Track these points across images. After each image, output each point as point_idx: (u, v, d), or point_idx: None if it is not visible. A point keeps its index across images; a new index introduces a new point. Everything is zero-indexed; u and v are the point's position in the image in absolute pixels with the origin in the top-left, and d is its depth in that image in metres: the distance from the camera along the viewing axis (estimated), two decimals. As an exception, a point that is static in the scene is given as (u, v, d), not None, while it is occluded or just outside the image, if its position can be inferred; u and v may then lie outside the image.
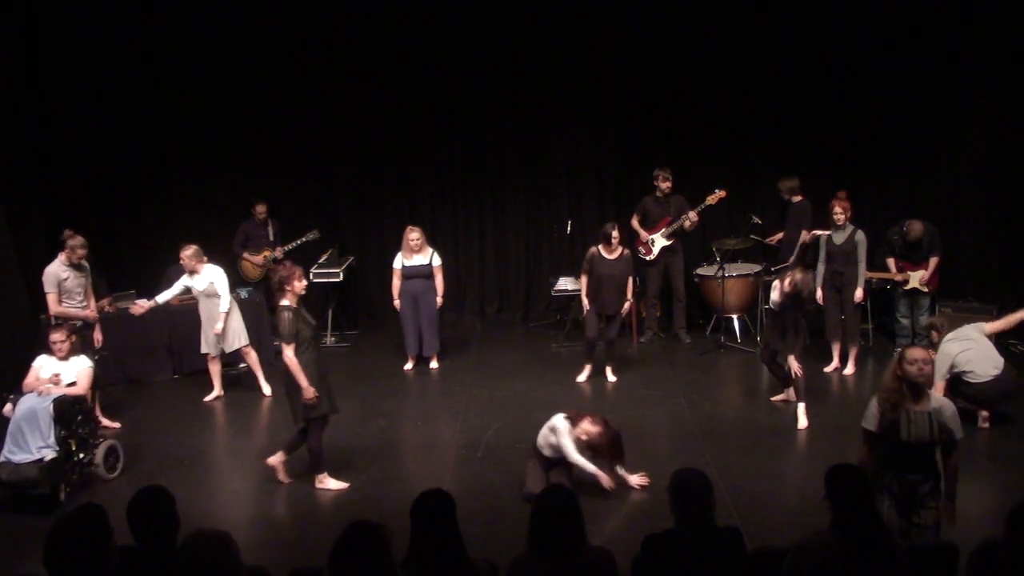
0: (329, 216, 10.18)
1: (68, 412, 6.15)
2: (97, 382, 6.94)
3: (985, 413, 6.70)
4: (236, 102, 9.75)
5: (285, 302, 5.93)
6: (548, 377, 8.34)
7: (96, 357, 6.92)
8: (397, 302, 8.75)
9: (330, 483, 6.15)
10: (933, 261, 8.62)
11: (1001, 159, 9.15)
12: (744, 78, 9.61)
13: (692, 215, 9.08)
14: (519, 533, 3.43)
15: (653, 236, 9.29)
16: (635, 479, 5.92)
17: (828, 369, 8.23)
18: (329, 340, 9.48)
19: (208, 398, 8.10)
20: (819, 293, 8.05)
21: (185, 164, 9.91)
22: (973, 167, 9.43)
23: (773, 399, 7.49)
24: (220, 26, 9.49)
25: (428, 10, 9.67)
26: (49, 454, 5.94)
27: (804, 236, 8.85)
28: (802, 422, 6.92)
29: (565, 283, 9.47)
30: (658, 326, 9.58)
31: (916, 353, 4.25)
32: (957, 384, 6.73)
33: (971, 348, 6.72)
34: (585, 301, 8.10)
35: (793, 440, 6.81)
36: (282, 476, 6.23)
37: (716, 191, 9.08)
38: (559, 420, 5.84)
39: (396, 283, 8.72)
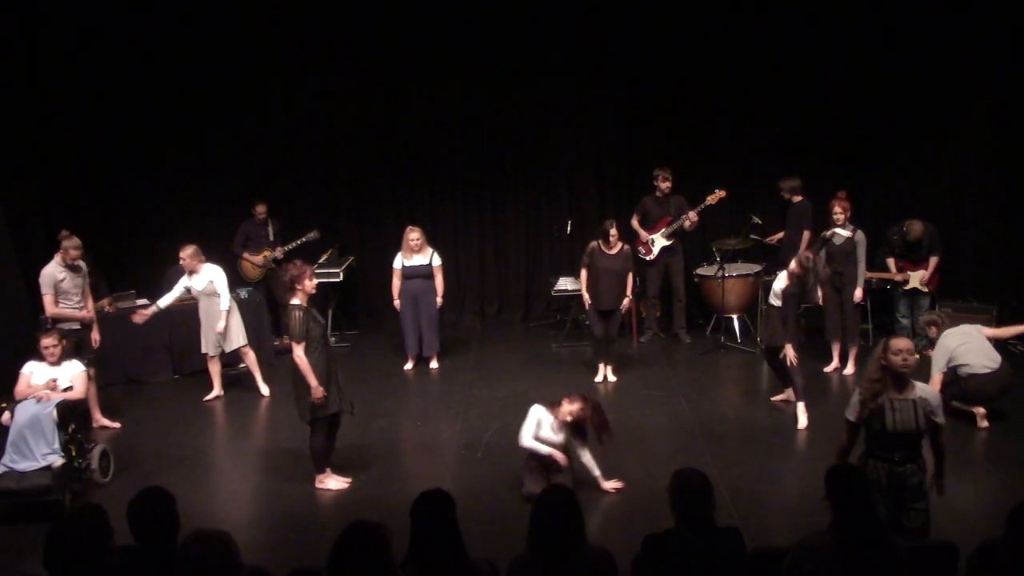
0: (329, 216, 10.18)
1: (69, 417, 6.12)
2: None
3: (982, 410, 6.69)
4: (236, 102, 9.75)
5: (295, 301, 5.93)
6: (548, 377, 8.34)
7: (86, 360, 6.90)
8: (397, 302, 8.75)
9: (330, 483, 6.14)
10: (933, 261, 8.63)
11: (1001, 159, 9.16)
12: (744, 78, 9.61)
13: (692, 215, 9.08)
14: (519, 533, 3.43)
15: (653, 236, 9.29)
16: (609, 484, 5.92)
17: (828, 369, 8.23)
18: (329, 340, 9.47)
19: (208, 398, 8.10)
20: (819, 293, 8.05)
21: (185, 164, 9.92)
22: (973, 167, 9.43)
23: (773, 399, 7.49)
24: (220, 26, 9.49)
25: (428, 10, 9.67)
26: (57, 460, 5.89)
27: (806, 237, 8.85)
28: (802, 422, 6.93)
29: (565, 283, 9.46)
30: (658, 326, 9.58)
31: (900, 343, 4.28)
32: (952, 385, 6.75)
33: (968, 342, 6.77)
34: (586, 295, 8.10)
35: (793, 440, 6.82)
36: (339, 483, 6.20)
37: (716, 191, 9.09)
38: (533, 408, 5.88)
39: (396, 283, 8.72)
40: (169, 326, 8.78)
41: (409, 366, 8.81)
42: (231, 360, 8.36)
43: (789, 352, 6.91)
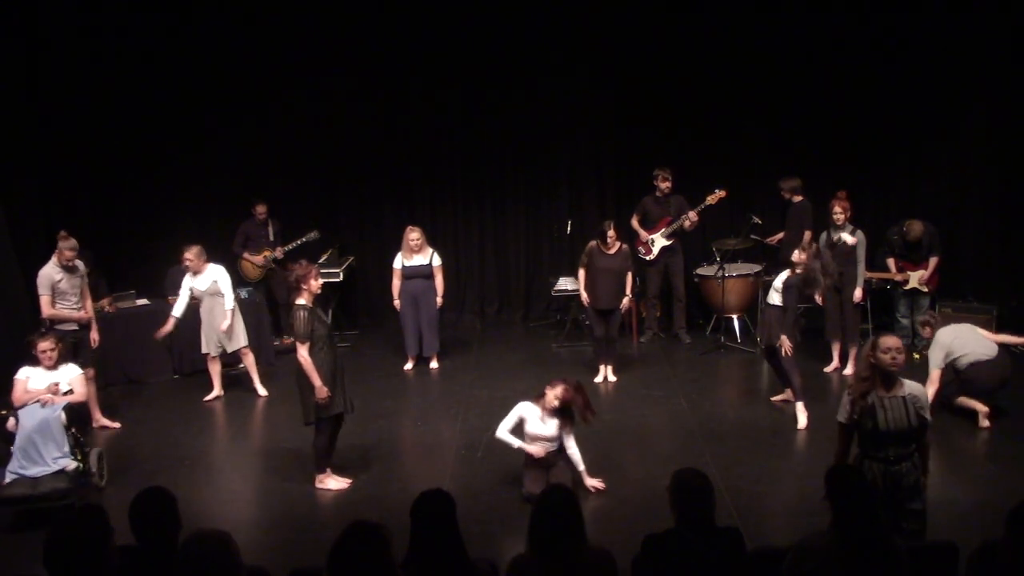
0: (329, 216, 10.18)
1: (75, 420, 6.10)
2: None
3: (985, 409, 6.68)
4: (236, 102, 9.75)
5: (301, 301, 5.93)
6: (548, 377, 8.18)
7: (80, 361, 6.87)
8: (397, 302, 8.75)
9: (330, 483, 6.15)
10: (933, 261, 8.63)
11: (1001, 159, 9.16)
12: (744, 78, 9.61)
13: (692, 215, 9.08)
14: (519, 533, 3.43)
15: (653, 236, 9.29)
16: (592, 481, 5.93)
17: (828, 369, 8.24)
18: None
19: (208, 398, 8.10)
20: (821, 286, 8.05)
21: (185, 164, 9.91)
22: (973, 167, 9.43)
23: (773, 399, 7.49)
24: (220, 27, 9.49)
25: (428, 11, 9.67)
26: (70, 463, 5.88)
27: (806, 237, 8.85)
28: (801, 421, 6.93)
29: (565, 283, 9.46)
30: (658, 326, 9.59)
31: (889, 341, 4.28)
32: (952, 383, 6.76)
33: (963, 335, 6.82)
34: (584, 295, 8.10)
35: (793, 440, 6.82)
36: (339, 483, 6.20)
37: (716, 191, 9.09)
38: (518, 405, 5.93)
39: (396, 283, 8.72)
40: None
41: (409, 366, 8.81)
42: (231, 360, 8.36)
43: (784, 343, 6.91)
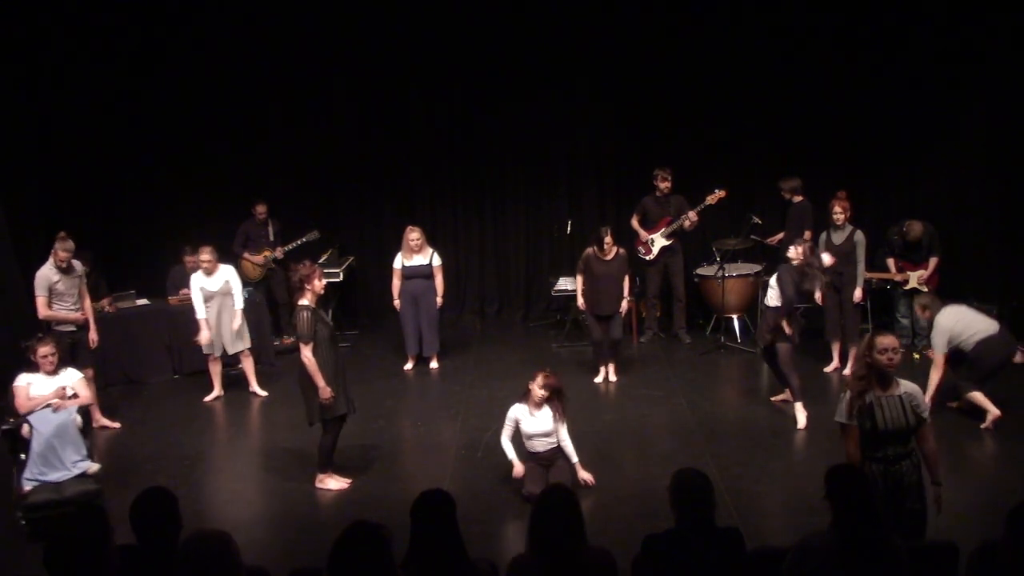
0: (329, 216, 10.17)
1: (86, 422, 6.07)
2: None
3: (997, 413, 6.62)
4: (236, 102, 9.74)
5: (304, 301, 5.94)
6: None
7: (79, 361, 6.85)
8: (397, 302, 8.75)
9: (330, 483, 6.15)
10: (933, 261, 8.62)
11: (1001, 159, 9.15)
12: (744, 78, 9.61)
13: (692, 215, 9.08)
14: (519, 533, 3.43)
15: (653, 236, 9.29)
16: (584, 475, 5.97)
17: (828, 369, 8.24)
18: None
19: (208, 398, 8.10)
20: (818, 293, 8.06)
21: (186, 164, 9.91)
22: (973, 167, 9.42)
23: (773, 399, 7.49)
24: (221, 26, 9.49)
25: (428, 12, 9.67)
26: (91, 465, 5.84)
27: (806, 236, 8.85)
28: (800, 421, 6.94)
29: (565, 283, 9.47)
30: (658, 326, 9.58)
31: (885, 341, 4.27)
32: (961, 366, 6.74)
33: (964, 315, 6.82)
34: (580, 301, 8.12)
35: (793, 440, 6.82)
36: (339, 483, 6.20)
37: (716, 191, 9.08)
38: (510, 409, 5.95)
39: (396, 283, 8.72)
40: (169, 326, 8.78)
41: (409, 366, 8.81)
42: (230, 360, 8.36)
43: (782, 347, 6.97)
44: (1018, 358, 7.56)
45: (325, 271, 9.32)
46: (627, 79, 9.82)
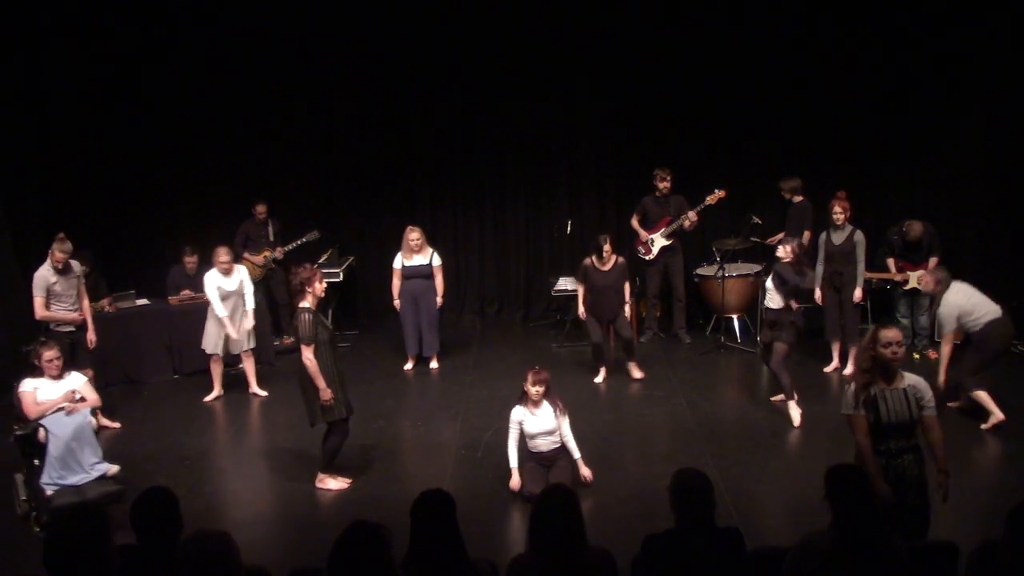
0: (329, 216, 10.18)
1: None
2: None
3: (1001, 416, 6.60)
4: (236, 102, 9.75)
5: (305, 304, 5.95)
6: (548, 377, 8.32)
7: (78, 362, 6.83)
8: (397, 302, 8.75)
9: (330, 483, 6.15)
10: (933, 261, 8.61)
11: (1001, 159, 9.15)
12: (744, 78, 9.61)
13: (691, 215, 9.08)
14: (519, 533, 3.43)
15: (653, 236, 9.29)
16: (585, 471, 5.99)
17: (828, 369, 8.24)
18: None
19: (208, 398, 8.10)
20: (818, 293, 8.06)
21: (186, 164, 9.91)
22: (973, 167, 9.42)
23: (773, 399, 7.49)
24: (221, 28, 9.50)
25: (428, 12, 9.66)
26: (110, 467, 5.81)
27: (806, 237, 8.86)
28: (795, 419, 6.99)
29: (565, 283, 9.47)
30: (658, 326, 9.59)
31: (889, 334, 4.29)
32: (973, 349, 6.71)
33: (974, 296, 6.78)
34: (581, 309, 8.14)
35: (793, 440, 6.82)
36: (339, 483, 6.21)
37: (716, 191, 9.08)
38: (512, 413, 5.95)
39: (396, 283, 8.72)
40: (169, 326, 8.79)
41: (409, 366, 8.81)
42: (231, 360, 8.36)
43: (779, 347, 7.03)
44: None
45: (325, 271, 9.37)
46: (627, 79, 9.82)
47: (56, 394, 5.94)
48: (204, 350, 8.04)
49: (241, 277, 8.05)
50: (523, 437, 5.97)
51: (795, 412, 7.01)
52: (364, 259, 10.40)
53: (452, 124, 10.24)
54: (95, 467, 5.77)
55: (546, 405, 5.92)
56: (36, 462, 5.75)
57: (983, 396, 6.67)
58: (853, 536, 3.29)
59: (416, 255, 8.64)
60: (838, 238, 8.02)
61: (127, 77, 9.56)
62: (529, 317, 10.51)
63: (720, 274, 8.88)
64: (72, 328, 7.30)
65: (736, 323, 9.28)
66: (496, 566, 3.53)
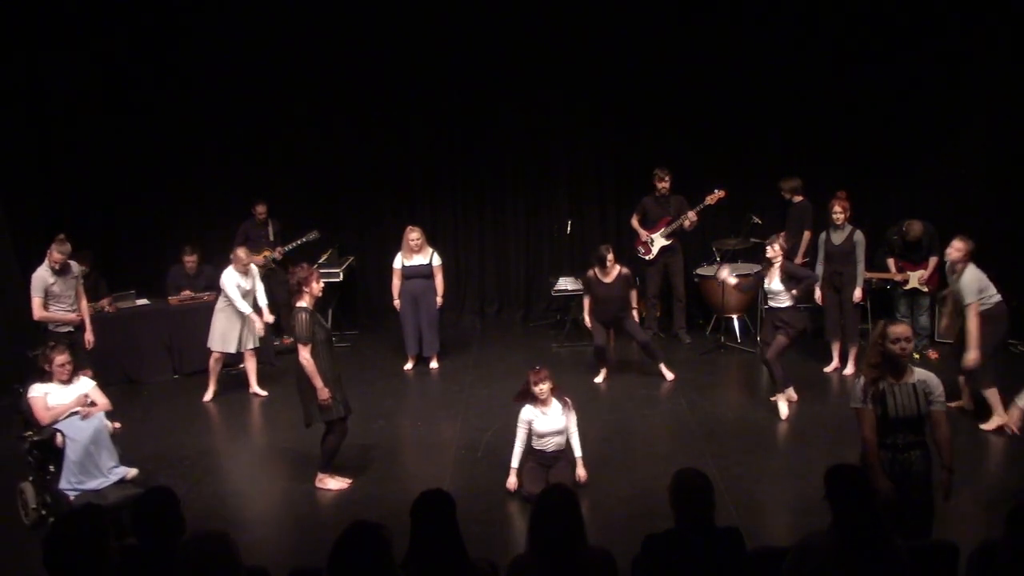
0: (329, 216, 10.17)
1: None
2: None
3: (1006, 419, 6.50)
4: (236, 102, 9.75)
5: (302, 304, 5.95)
6: (548, 377, 8.32)
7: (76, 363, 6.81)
8: (397, 302, 8.75)
9: (330, 483, 6.15)
10: (932, 261, 8.61)
11: (1000, 159, 9.15)
12: (744, 78, 9.61)
13: (691, 215, 9.08)
14: (519, 533, 3.43)
15: (652, 236, 9.29)
16: (581, 471, 6.00)
17: (828, 369, 8.24)
18: (334, 343, 9.47)
19: (207, 398, 8.10)
20: (818, 293, 8.06)
21: (186, 164, 9.92)
22: (973, 167, 9.42)
23: (773, 399, 7.49)
24: (221, 28, 9.50)
25: (429, 14, 9.66)
26: (129, 470, 5.75)
27: (806, 237, 8.86)
28: (783, 412, 7.11)
29: (565, 283, 9.47)
30: (658, 326, 9.58)
31: (898, 330, 4.29)
32: (998, 322, 6.67)
33: (985, 277, 6.76)
34: (587, 319, 8.16)
35: (793, 440, 6.82)
36: (339, 483, 6.21)
37: (715, 191, 9.08)
38: (521, 413, 5.95)
39: (396, 283, 8.73)
40: (169, 326, 8.79)
41: (409, 366, 8.81)
42: (231, 360, 8.37)
43: (780, 338, 7.14)
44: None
45: (325, 271, 9.40)
46: (627, 79, 9.82)
47: (67, 398, 5.84)
48: (210, 348, 8.03)
49: (254, 276, 8.13)
50: (530, 436, 5.96)
51: (783, 405, 7.13)
52: (364, 259, 10.40)
53: (452, 124, 10.23)
54: (113, 471, 5.70)
55: (555, 403, 5.92)
56: (52, 468, 5.66)
57: (993, 395, 6.63)
58: (853, 536, 3.29)
59: (416, 255, 8.64)
60: (838, 238, 8.02)
61: (127, 77, 9.56)
62: (529, 317, 10.51)
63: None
64: (70, 328, 7.30)
65: (736, 323, 9.27)
66: (496, 566, 3.53)
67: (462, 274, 10.56)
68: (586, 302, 8.16)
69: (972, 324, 6.52)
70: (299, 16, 9.60)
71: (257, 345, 8.14)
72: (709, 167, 9.65)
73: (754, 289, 7.62)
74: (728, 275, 7.77)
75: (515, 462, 5.94)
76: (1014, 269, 9.02)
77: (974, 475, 6.04)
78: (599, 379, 8.19)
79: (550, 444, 5.92)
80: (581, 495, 4.34)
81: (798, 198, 8.97)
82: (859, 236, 7.99)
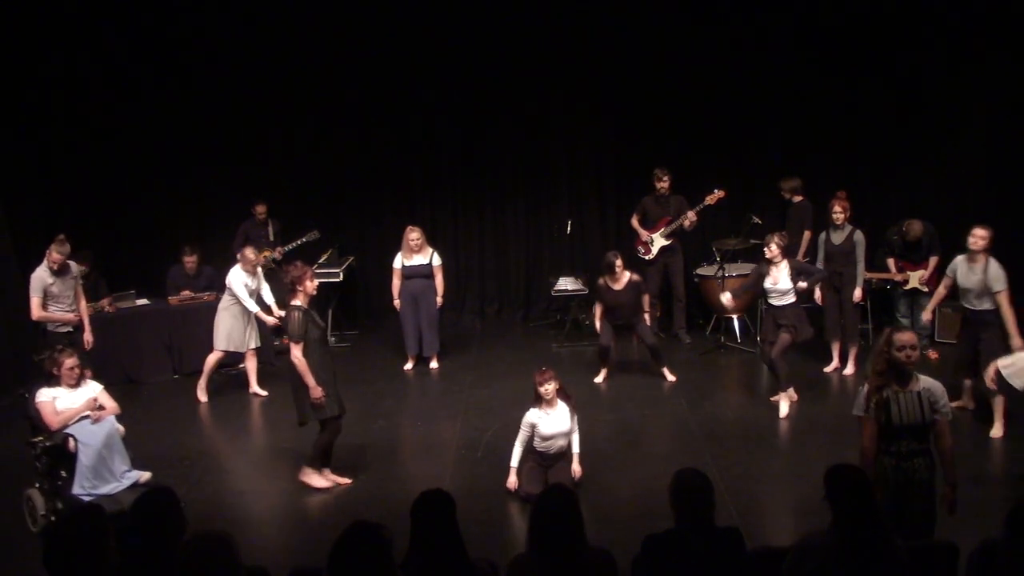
0: (329, 216, 10.17)
1: None
2: None
3: (1000, 433, 6.56)
4: (237, 102, 9.75)
5: (296, 302, 5.95)
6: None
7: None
8: (397, 302, 8.75)
9: (315, 479, 6.14)
10: (933, 261, 8.61)
11: (1001, 158, 9.15)
12: (744, 78, 9.61)
13: (691, 215, 9.08)
14: (519, 533, 3.43)
15: (652, 236, 9.29)
16: (576, 467, 5.98)
17: (828, 369, 8.23)
18: (329, 340, 9.46)
19: (203, 399, 8.10)
20: (818, 293, 8.06)
21: (186, 164, 9.92)
22: (973, 167, 9.43)
23: (773, 399, 7.49)
24: (220, 28, 9.50)
25: (429, 14, 9.66)
26: (142, 474, 5.71)
27: (806, 237, 8.86)
28: (783, 411, 7.13)
29: (565, 283, 9.47)
30: (658, 326, 9.56)
31: (904, 337, 4.27)
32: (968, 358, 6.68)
33: None
34: (598, 324, 8.17)
35: (793, 440, 6.82)
36: (323, 481, 6.20)
37: (715, 191, 9.08)
38: (525, 416, 5.93)
39: (396, 283, 8.72)
40: (169, 326, 8.79)
41: (409, 366, 8.81)
42: (232, 360, 8.37)
43: (784, 337, 7.19)
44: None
45: (325, 271, 9.42)
46: (627, 79, 9.82)
47: (76, 402, 5.75)
48: (215, 348, 8.02)
49: (259, 276, 8.17)
50: (532, 438, 5.95)
51: (785, 405, 7.14)
52: (364, 259, 10.40)
53: (452, 124, 10.23)
54: (126, 475, 5.66)
55: (561, 405, 5.91)
56: (64, 473, 5.58)
57: (1000, 403, 6.55)
58: (853, 536, 3.29)
59: (416, 255, 8.64)
60: (838, 238, 8.02)
61: (127, 77, 9.56)
62: (529, 317, 10.51)
63: (720, 274, 8.88)
64: (69, 328, 7.29)
65: (736, 323, 9.27)
66: (496, 566, 3.53)
67: (462, 274, 10.56)
68: (597, 309, 8.16)
69: (1007, 311, 6.51)
70: (299, 16, 9.61)
71: (259, 345, 8.14)
72: (709, 167, 9.66)
73: (755, 287, 7.59)
74: (730, 300, 7.73)
75: (514, 461, 5.94)
76: (1014, 269, 9.02)
77: (974, 475, 6.05)
78: (599, 379, 8.19)
79: (554, 446, 5.91)
80: (581, 495, 4.34)
81: (798, 198, 8.97)
82: (859, 236, 7.99)
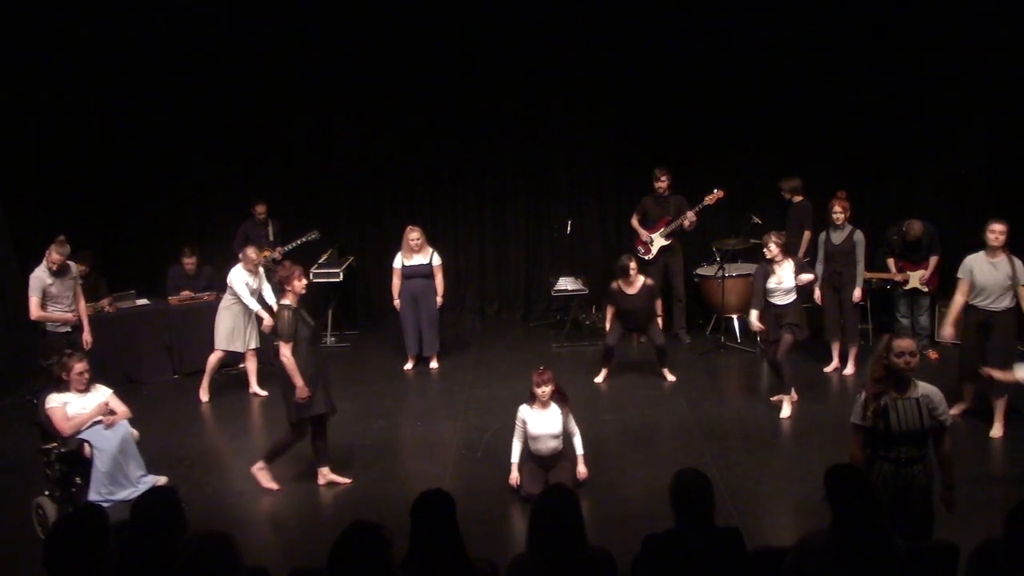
0: (329, 216, 10.18)
1: None
2: None
3: (999, 434, 6.56)
4: (237, 102, 9.75)
5: (286, 301, 5.96)
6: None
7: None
8: (397, 302, 8.75)
9: (263, 477, 6.14)
10: (933, 261, 8.62)
11: (1000, 158, 9.14)
12: (744, 79, 9.62)
13: (691, 215, 9.08)
14: (519, 533, 3.43)
15: (652, 236, 9.29)
16: (582, 468, 5.98)
17: (828, 369, 8.23)
18: (329, 340, 9.48)
19: (204, 398, 8.10)
20: (818, 293, 8.07)
21: (186, 164, 9.92)
22: (972, 167, 9.42)
23: (773, 399, 7.49)
24: (220, 28, 9.51)
25: (429, 14, 9.66)
26: (158, 479, 5.65)
27: (806, 237, 8.86)
28: (785, 412, 7.13)
29: (565, 283, 9.47)
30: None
31: (903, 344, 4.26)
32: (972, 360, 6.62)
33: None
34: (608, 324, 8.18)
35: (794, 440, 6.82)
36: (335, 478, 6.21)
37: (715, 191, 9.08)
38: (519, 412, 5.95)
39: (396, 283, 8.73)
40: (169, 326, 8.78)
41: (409, 366, 8.81)
42: (232, 360, 8.36)
43: (786, 337, 7.20)
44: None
45: (325, 271, 9.42)
46: (627, 79, 9.82)
47: (86, 408, 5.65)
48: (216, 348, 8.02)
49: (261, 275, 8.18)
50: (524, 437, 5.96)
51: (786, 405, 7.15)
52: (364, 259, 10.40)
53: (452, 124, 10.23)
54: (142, 480, 5.58)
55: (554, 407, 5.91)
56: (78, 480, 5.51)
57: (1002, 405, 6.55)
58: (853, 536, 3.29)
59: (416, 255, 8.64)
60: (838, 238, 8.02)
61: (127, 78, 9.55)
62: (529, 317, 10.51)
63: (720, 274, 8.89)
64: (68, 329, 7.30)
65: (736, 323, 9.27)
66: (496, 566, 3.53)
67: (462, 274, 10.56)
68: (609, 312, 8.15)
69: None
70: (299, 16, 9.62)
71: (259, 345, 8.14)
72: (709, 167, 9.65)
73: (763, 291, 7.55)
74: (757, 322, 7.53)
75: (515, 457, 5.94)
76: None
77: (974, 475, 6.04)
78: (599, 379, 8.19)
79: (543, 448, 5.90)
80: (581, 495, 4.34)
81: (798, 198, 8.97)
82: (859, 236, 7.99)
